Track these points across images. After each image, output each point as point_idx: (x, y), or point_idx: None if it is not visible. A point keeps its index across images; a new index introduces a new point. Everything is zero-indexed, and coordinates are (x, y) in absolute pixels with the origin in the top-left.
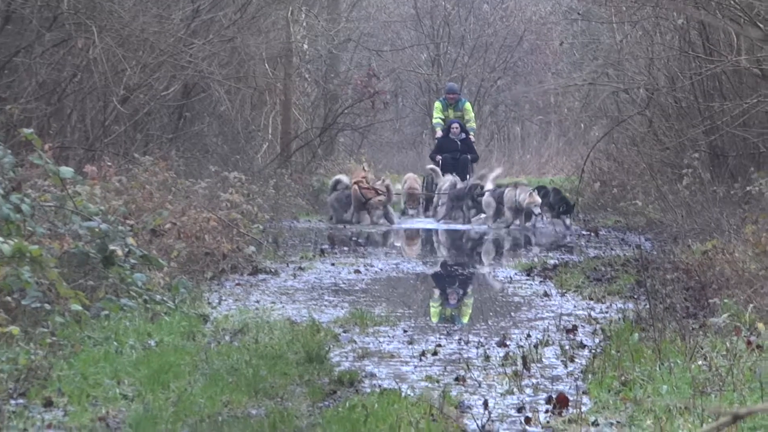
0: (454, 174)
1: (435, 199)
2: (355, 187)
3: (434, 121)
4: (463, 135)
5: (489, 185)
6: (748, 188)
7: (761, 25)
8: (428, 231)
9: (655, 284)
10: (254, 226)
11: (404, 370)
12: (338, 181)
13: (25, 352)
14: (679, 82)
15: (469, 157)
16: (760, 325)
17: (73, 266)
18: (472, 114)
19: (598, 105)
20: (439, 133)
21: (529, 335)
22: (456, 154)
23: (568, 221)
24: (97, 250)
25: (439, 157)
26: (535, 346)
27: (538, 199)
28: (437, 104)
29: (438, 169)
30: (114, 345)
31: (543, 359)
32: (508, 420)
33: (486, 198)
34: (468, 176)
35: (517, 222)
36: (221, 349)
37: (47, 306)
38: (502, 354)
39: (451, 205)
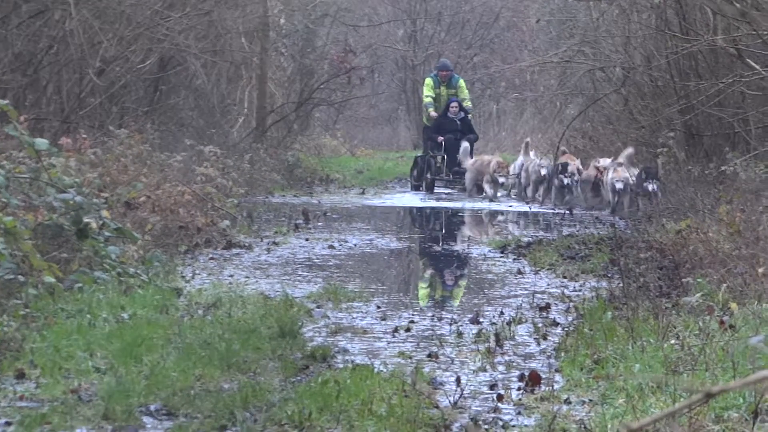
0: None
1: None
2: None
3: (425, 99)
4: (462, 114)
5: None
6: (722, 168)
7: (737, 4)
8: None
9: (629, 263)
10: (229, 201)
11: (377, 345)
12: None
13: None
14: (655, 60)
15: (472, 137)
16: (733, 305)
17: (47, 238)
18: (467, 91)
19: (574, 83)
20: (432, 113)
21: (502, 313)
22: (457, 134)
23: (652, 187)
24: (72, 222)
25: (440, 138)
26: (508, 324)
27: (624, 174)
28: (428, 81)
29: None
30: (87, 318)
31: (516, 337)
32: (481, 397)
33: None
34: (471, 157)
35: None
36: (194, 323)
37: (21, 278)
38: (475, 331)
39: (535, 188)
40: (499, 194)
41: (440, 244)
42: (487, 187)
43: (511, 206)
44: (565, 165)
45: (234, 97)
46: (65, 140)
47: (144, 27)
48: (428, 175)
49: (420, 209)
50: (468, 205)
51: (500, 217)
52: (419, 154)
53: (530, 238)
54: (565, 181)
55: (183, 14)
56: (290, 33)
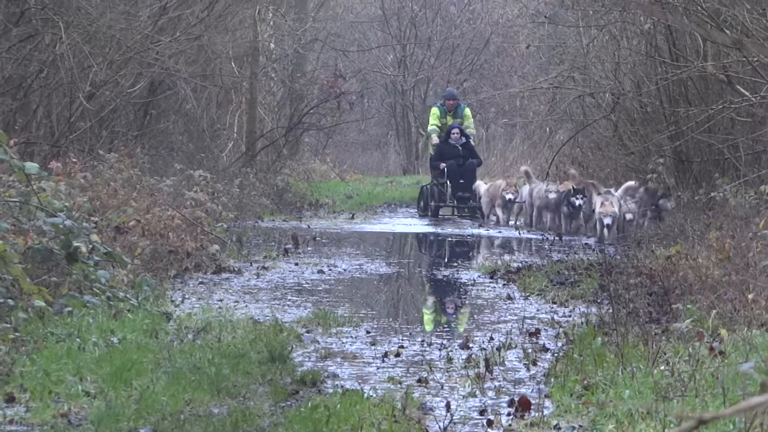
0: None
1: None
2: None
3: (429, 128)
4: (463, 139)
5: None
6: (712, 194)
7: (728, 32)
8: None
9: (619, 289)
10: (218, 225)
11: (367, 371)
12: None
13: None
14: (645, 87)
15: (474, 161)
16: (723, 331)
17: (37, 262)
18: (471, 119)
19: (563, 109)
20: (435, 140)
21: (492, 338)
22: (459, 159)
23: (669, 205)
24: (61, 246)
25: (442, 165)
26: (498, 349)
27: (611, 209)
28: (434, 110)
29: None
30: (77, 342)
31: (506, 362)
32: (470, 422)
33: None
34: (474, 181)
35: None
36: (184, 348)
37: (10, 302)
38: (464, 356)
39: (538, 213)
40: (510, 221)
41: (430, 269)
42: (499, 212)
43: (500, 232)
44: (576, 189)
45: (224, 122)
46: (55, 164)
47: (134, 51)
48: (432, 203)
49: (411, 235)
50: (458, 230)
51: (490, 243)
52: (424, 184)
53: (520, 264)
54: (577, 202)
55: (173, 39)
56: (280, 58)
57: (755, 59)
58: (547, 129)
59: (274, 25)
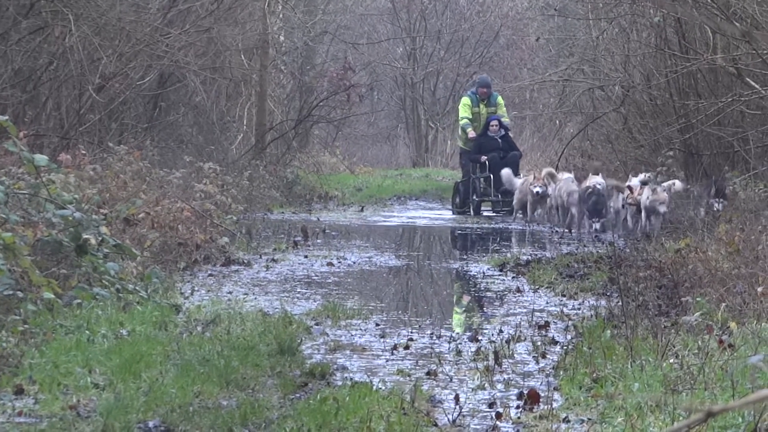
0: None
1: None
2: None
3: (462, 121)
4: (502, 132)
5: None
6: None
7: (737, 24)
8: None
9: (628, 282)
10: (228, 217)
11: (376, 363)
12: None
13: None
14: (655, 79)
15: (516, 153)
16: (732, 324)
17: (46, 254)
18: (505, 108)
19: (573, 101)
20: (471, 133)
21: (501, 331)
22: (500, 152)
23: (719, 206)
24: (71, 238)
25: (483, 158)
26: (507, 342)
27: (664, 196)
28: (465, 100)
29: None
30: (86, 334)
31: (515, 355)
32: (479, 415)
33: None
34: (519, 174)
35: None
36: (193, 340)
37: (19, 294)
38: (473, 349)
39: (564, 209)
40: (537, 215)
41: (439, 261)
42: (529, 208)
43: (509, 225)
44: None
45: (233, 114)
46: (64, 156)
47: (144, 43)
48: (474, 197)
49: (420, 227)
50: (468, 224)
51: (500, 235)
52: (459, 180)
53: (529, 257)
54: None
55: (182, 31)
56: (290, 50)
57: (765, 51)
58: (557, 122)
59: (283, 18)
